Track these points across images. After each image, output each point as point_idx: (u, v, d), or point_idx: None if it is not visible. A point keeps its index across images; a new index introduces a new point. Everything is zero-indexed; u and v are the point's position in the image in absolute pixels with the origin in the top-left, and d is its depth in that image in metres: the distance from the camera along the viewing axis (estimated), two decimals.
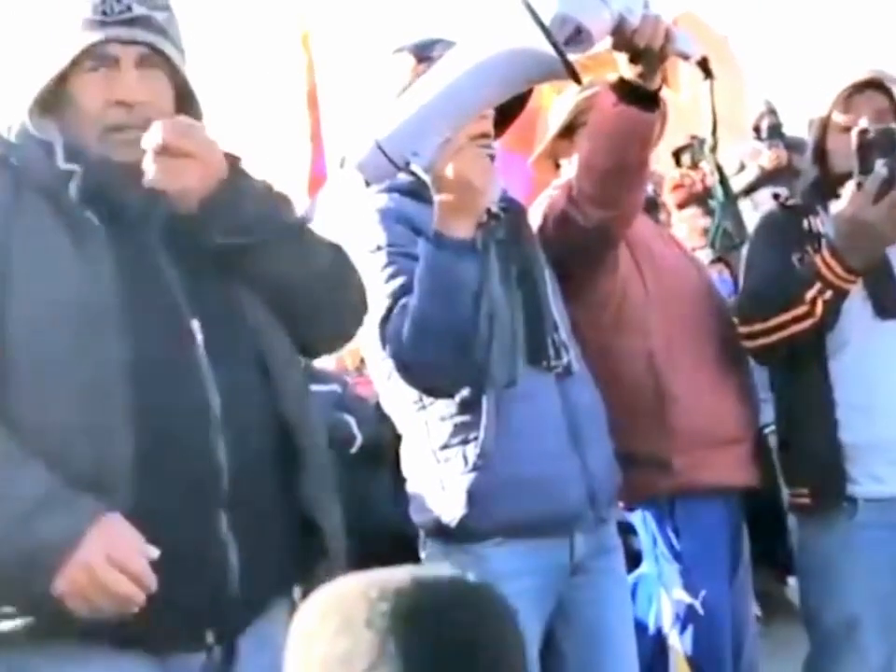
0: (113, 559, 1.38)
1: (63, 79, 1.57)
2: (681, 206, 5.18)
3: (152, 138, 1.48)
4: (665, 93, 2.03)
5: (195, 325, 1.54)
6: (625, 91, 1.91)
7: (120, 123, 1.55)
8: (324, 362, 4.19)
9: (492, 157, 1.98)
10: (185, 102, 1.65)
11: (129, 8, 1.55)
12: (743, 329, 2.38)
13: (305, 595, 1.66)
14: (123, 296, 1.50)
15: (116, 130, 1.56)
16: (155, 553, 1.39)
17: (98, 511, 1.41)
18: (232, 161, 1.60)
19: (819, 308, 2.25)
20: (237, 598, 1.52)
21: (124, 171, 1.52)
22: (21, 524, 1.39)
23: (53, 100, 1.58)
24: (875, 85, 2.35)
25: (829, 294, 2.24)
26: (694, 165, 5.33)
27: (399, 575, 0.81)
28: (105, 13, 1.54)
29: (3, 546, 1.40)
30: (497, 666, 0.81)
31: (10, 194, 1.54)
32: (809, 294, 2.24)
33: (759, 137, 5.96)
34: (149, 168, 1.49)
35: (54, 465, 1.43)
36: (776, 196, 2.54)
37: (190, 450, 1.50)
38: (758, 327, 2.33)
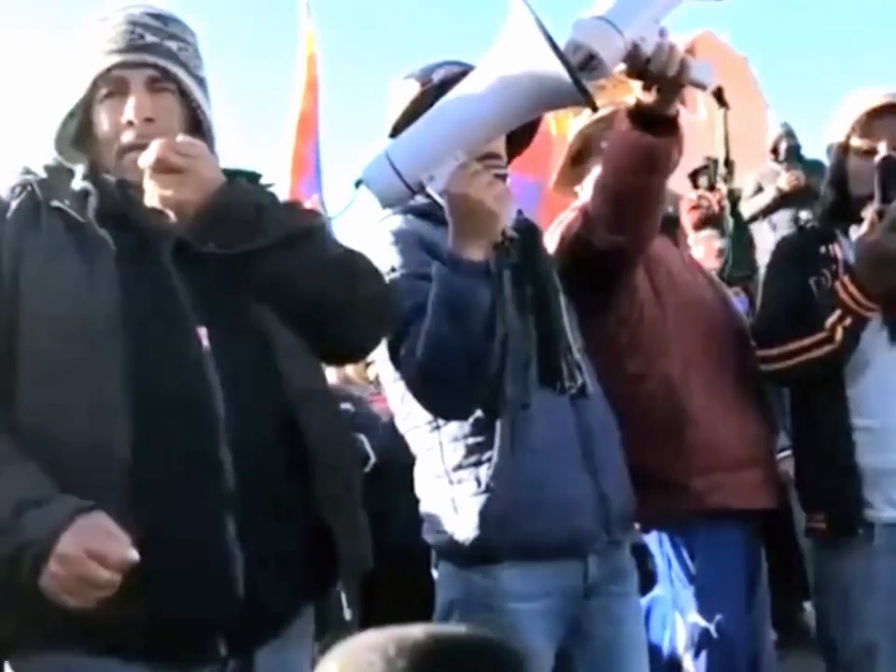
0: (91, 551, 1.38)
1: (89, 114, 1.65)
2: (697, 228, 5.17)
3: (148, 156, 1.50)
4: (681, 115, 2.03)
5: (202, 332, 1.57)
6: (641, 116, 1.90)
7: (131, 143, 1.60)
8: (328, 374, 4.18)
9: (503, 177, 1.99)
10: (198, 124, 1.69)
11: (141, 37, 1.64)
12: (760, 353, 2.37)
13: (319, 607, 1.68)
14: (129, 306, 1.53)
15: (128, 150, 1.61)
16: (135, 555, 1.39)
17: (81, 509, 1.42)
18: (254, 178, 1.67)
19: (839, 334, 2.24)
20: (246, 604, 1.52)
21: (137, 189, 1.55)
22: (4, 525, 1.41)
23: (87, 136, 1.67)
24: (893, 109, 2.35)
25: (849, 321, 2.23)
26: (711, 187, 5.32)
27: (416, 631, 0.81)
28: (118, 43, 1.63)
29: None
30: None
31: (28, 216, 1.58)
32: (829, 320, 2.24)
33: (777, 159, 5.96)
34: (147, 185, 1.51)
35: (57, 470, 1.45)
36: (797, 220, 2.54)
37: (192, 454, 1.52)
38: (776, 351, 2.33)
